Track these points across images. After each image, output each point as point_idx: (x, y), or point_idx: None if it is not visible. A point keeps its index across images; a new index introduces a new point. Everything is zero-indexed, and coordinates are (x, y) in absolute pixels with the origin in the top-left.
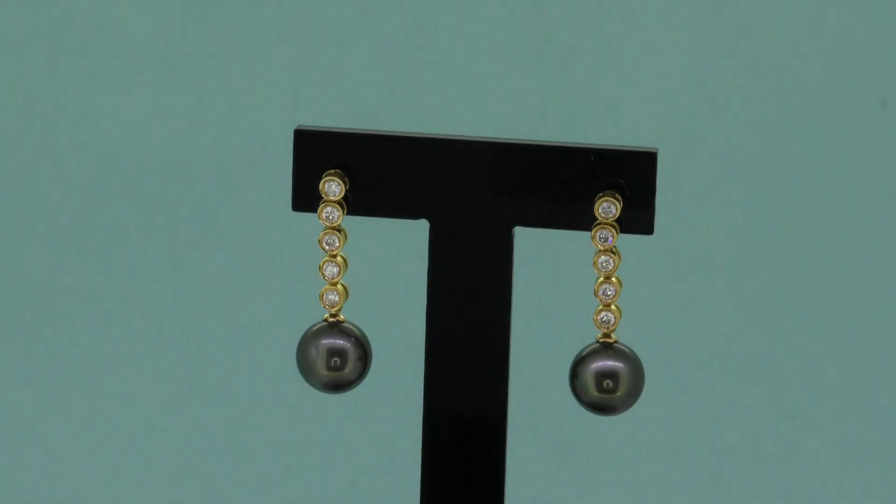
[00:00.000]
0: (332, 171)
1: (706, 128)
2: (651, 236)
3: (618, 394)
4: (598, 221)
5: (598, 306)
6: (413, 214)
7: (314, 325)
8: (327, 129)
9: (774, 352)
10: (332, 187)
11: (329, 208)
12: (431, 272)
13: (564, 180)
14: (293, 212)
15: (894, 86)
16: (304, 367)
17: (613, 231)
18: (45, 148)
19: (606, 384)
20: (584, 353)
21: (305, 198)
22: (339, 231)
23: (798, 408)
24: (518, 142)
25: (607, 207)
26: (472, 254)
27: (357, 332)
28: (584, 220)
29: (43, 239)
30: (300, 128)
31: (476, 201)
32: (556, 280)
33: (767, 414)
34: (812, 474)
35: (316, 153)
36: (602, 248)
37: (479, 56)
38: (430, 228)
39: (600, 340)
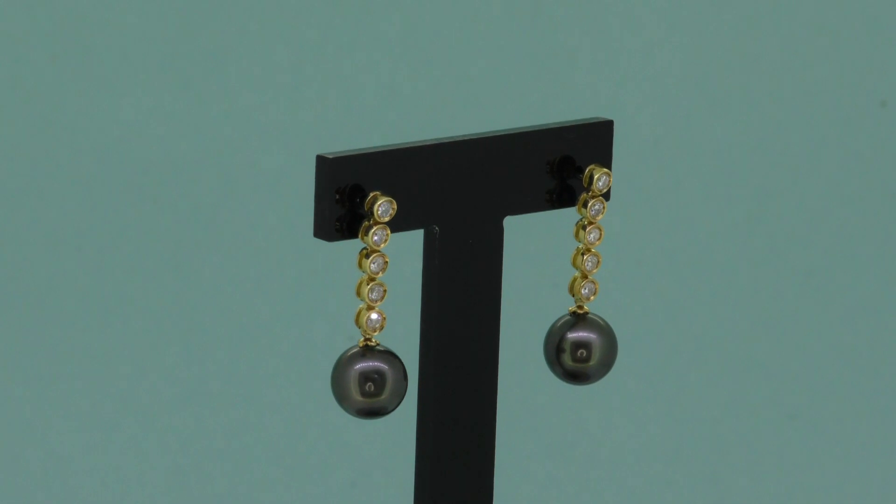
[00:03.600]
0: (376, 191)
1: (706, 127)
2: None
3: (591, 363)
4: (591, 194)
5: (578, 277)
6: (421, 223)
7: (349, 349)
8: (350, 153)
9: (774, 352)
10: (386, 208)
11: (380, 231)
12: (433, 276)
13: (538, 163)
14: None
15: (894, 86)
16: (339, 392)
17: (604, 203)
18: (45, 148)
19: (580, 353)
20: (558, 324)
21: (328, 224)
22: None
23: (798, 408)
24: (505, 133)
25: (605, 180)
26: (472, 252)
27: (395, 357)
28: (543, 199)
29: (43, 239)
30: (323, 155)
31: (476, 199)
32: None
33: (767, 414)
34: (812, 474)
35: (336, 178)
36: (592, 220)
37: (478, 56)
38: (435, 234)
39: (573, 311)
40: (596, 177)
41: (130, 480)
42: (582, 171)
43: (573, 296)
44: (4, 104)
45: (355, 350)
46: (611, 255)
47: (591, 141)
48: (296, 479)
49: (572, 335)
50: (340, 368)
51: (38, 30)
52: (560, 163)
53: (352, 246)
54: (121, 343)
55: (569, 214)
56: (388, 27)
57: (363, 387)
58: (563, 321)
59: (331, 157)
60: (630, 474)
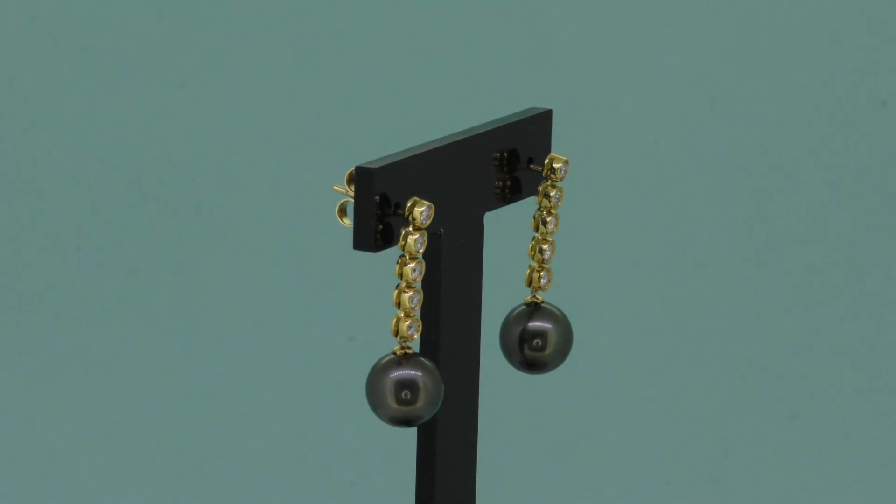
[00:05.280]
0: (415, 197)
1: (706, 128)
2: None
3: (547, 352)
4: (549, 182)
5: (534, 266)
6: (434, 227)
7: (384, 357)
8: (388, 162)
9: (774, 352)
10: (427, 213)
11: (420, 237)
12: (440, 278)
13: (498, 160)
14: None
15: (894, 86)
16: (374, 400)
17: (562, 191)
18: (45, 148)
19: (536, 343)
20: (514, 315)
21: (371, 235)
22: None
23: (798, 408)
24: (491, 128)
25: (564, 169)
26: (465, 251)
27: (430, 365)
28: (515, 193)
29: (43, 239)
30: (366, 165)
31: (466, 198)
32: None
33: (767, 414)
34: (812, 474)
35: (380, 188)
36: (552, 209)
37: (478, 56)
38: (440, 236)
39: (529, 301)
40: (557, 166)
41: (130, 480)
42: (533, 162)
43: (530, 286)
44: (4, 104)
45: (391, 357)
46: (611, 255)
47: (534, 131)
48: (296, 479)
49: (529, 325)
50: (376, 375)
51: (38, 30)
52: (510, 156)
53: (346, 246)
54: (121, 343)
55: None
56: (386, 27)
57: (399, 394)
58: (518, 312)
59: (376, 167)
60: (630, 474)
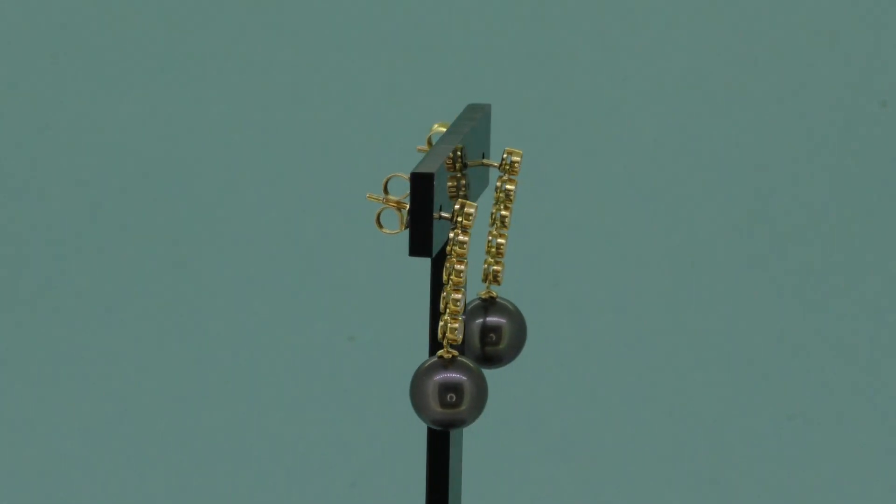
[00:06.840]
0: (461, 199)
1: (706, 128)
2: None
3: (501, 346)
4: (505, 176)
5: (490, 261)
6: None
7: (429, 360)
8: (435, 166)
9: (774, 352)
10: (474, 214)
11: (464, 237)
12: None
13: (452, 159)
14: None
15: (894, 86)
16: (418, 402)
17: (515, 183)
18: (45, 148)
19: (490, 337)
20: (468, 310)
21: (428, 241)
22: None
23: (798, 408)
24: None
25: (519, 161)
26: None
27: (476, 368)
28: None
29: (43, 239)
30: (421, 171)
31: (458, 195)
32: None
33: (767, 414)
34: (812, 474)
35: (434, 192)
36: (507, 201)
37: (478, 56)
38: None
39: (483, 297)
40: (516, 160)
41: (131, 480)
42: (485, 157)
43: (485, 281)
44: (4, 104)
45: (435, 360)
46: (611, 255)
47: (485, 128)
48: (296, 479)
49: (485, 320)
50: (420, 378)
51: (38, 30)
52: (463, 154)
53: (346, 246)
54: (121, 342)
55: None
56: (386, 27)
57: (444, 397)
58: (472, 307)
59: (433, 171)
60: (630, 474)
